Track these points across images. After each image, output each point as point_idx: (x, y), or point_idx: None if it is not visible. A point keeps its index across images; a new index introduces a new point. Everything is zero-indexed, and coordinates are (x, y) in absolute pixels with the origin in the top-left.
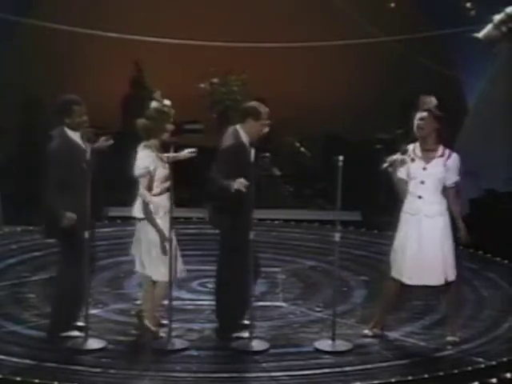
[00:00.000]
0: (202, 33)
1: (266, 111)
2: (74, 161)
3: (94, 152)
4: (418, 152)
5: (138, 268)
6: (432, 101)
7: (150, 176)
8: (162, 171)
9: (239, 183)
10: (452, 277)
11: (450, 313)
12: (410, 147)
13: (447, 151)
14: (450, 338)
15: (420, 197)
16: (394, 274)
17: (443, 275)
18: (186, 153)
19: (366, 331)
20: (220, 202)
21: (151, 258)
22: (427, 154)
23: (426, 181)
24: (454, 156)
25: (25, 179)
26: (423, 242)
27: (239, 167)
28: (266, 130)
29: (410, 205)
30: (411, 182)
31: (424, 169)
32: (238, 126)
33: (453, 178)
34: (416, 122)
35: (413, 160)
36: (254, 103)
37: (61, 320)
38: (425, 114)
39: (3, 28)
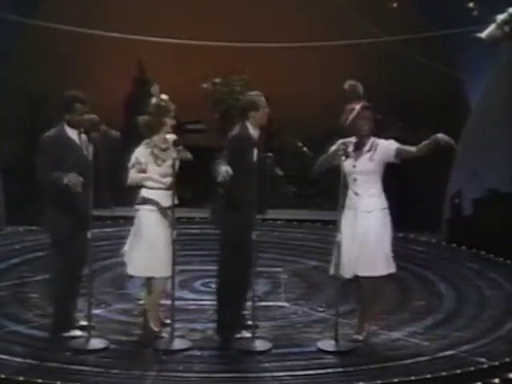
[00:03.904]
0: (203, 33)
1: (263, 99)
2: (66, 156)
3: (102, 137)
4: (351, 149)
5: (130, 271)
6: (359, 88)
7: (139, 169)
8: (155, 168)
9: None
10: (391, 270)
11: (362, 307)
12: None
13: (374, 143)
14: (355, 336)
15: (356, 193)
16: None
17: (380, 266)
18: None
19: (355, 336)
20: (222, 200)
21: (144, 256)
22: (358, 150)
23: (358, 178)
24: (380, 144)
25: (28, 179)
26: (357, 237)
27: (245, 158)
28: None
29: (348, 201)
30: (348, 179)
31: (354, 166)
32: (244, 121)
33: (391, 157)
34: (355, 120)
35: (347, 157)
36: (249, 97)
37: (61, 319)
38: (363, 112)
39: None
